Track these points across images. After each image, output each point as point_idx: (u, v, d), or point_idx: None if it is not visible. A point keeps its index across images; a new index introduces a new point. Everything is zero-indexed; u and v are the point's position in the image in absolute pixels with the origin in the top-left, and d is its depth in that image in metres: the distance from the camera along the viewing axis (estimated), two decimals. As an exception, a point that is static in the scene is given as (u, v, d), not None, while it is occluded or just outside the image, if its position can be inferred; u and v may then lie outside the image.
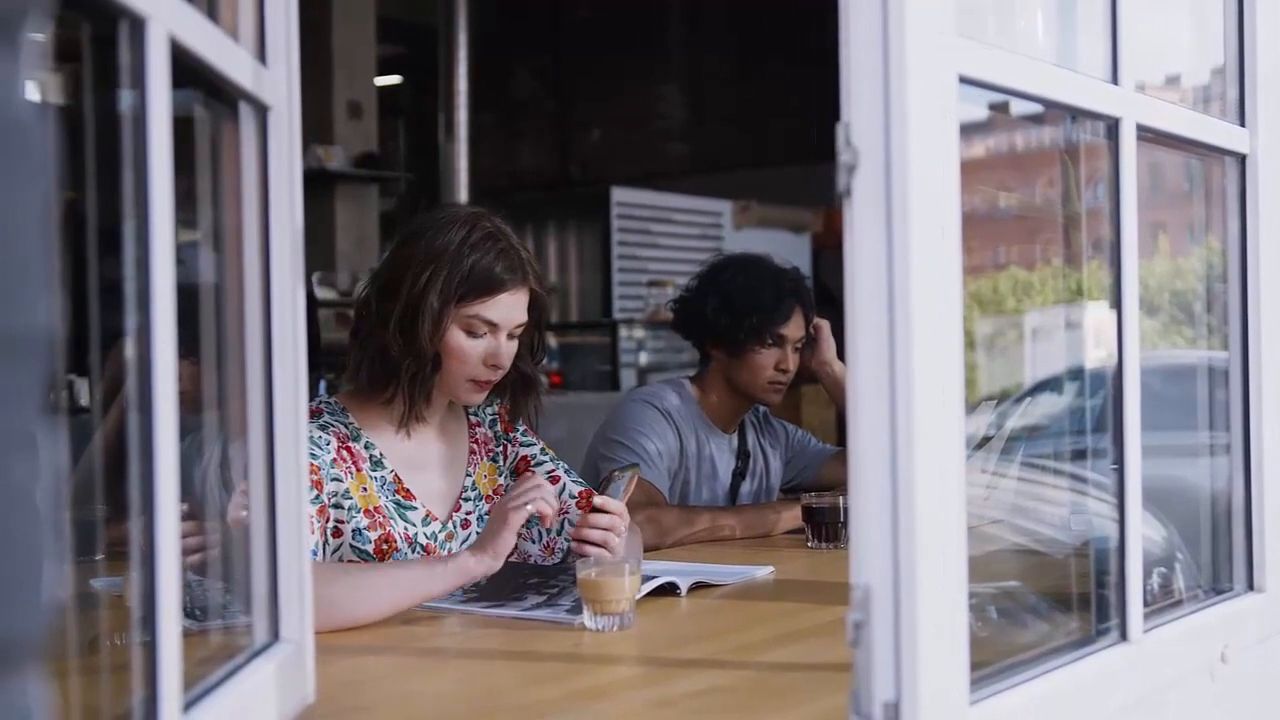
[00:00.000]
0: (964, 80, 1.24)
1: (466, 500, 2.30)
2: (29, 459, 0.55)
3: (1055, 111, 1.60)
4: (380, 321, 2.17)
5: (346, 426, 2.20)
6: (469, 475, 2.32)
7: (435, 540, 2.22)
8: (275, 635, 1.37)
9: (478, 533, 2.26)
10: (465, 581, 1.96)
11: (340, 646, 1.75)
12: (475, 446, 2.35)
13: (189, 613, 1.25)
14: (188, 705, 1.08)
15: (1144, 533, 1.57)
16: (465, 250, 2.14)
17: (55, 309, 0.59)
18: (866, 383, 1.16)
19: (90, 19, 1.00)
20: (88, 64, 1.04)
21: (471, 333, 2.17)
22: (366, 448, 2.20)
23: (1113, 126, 1.51)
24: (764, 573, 2.34)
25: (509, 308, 2.18)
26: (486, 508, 2.30)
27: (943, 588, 1.18)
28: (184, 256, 1.10)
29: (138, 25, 0.99)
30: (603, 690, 1.60)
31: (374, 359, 2.18)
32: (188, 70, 1.11)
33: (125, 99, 1.02)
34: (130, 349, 1.01)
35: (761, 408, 3.18)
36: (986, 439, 2.17)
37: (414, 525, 2.19)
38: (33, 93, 0.59)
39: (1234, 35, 1.79)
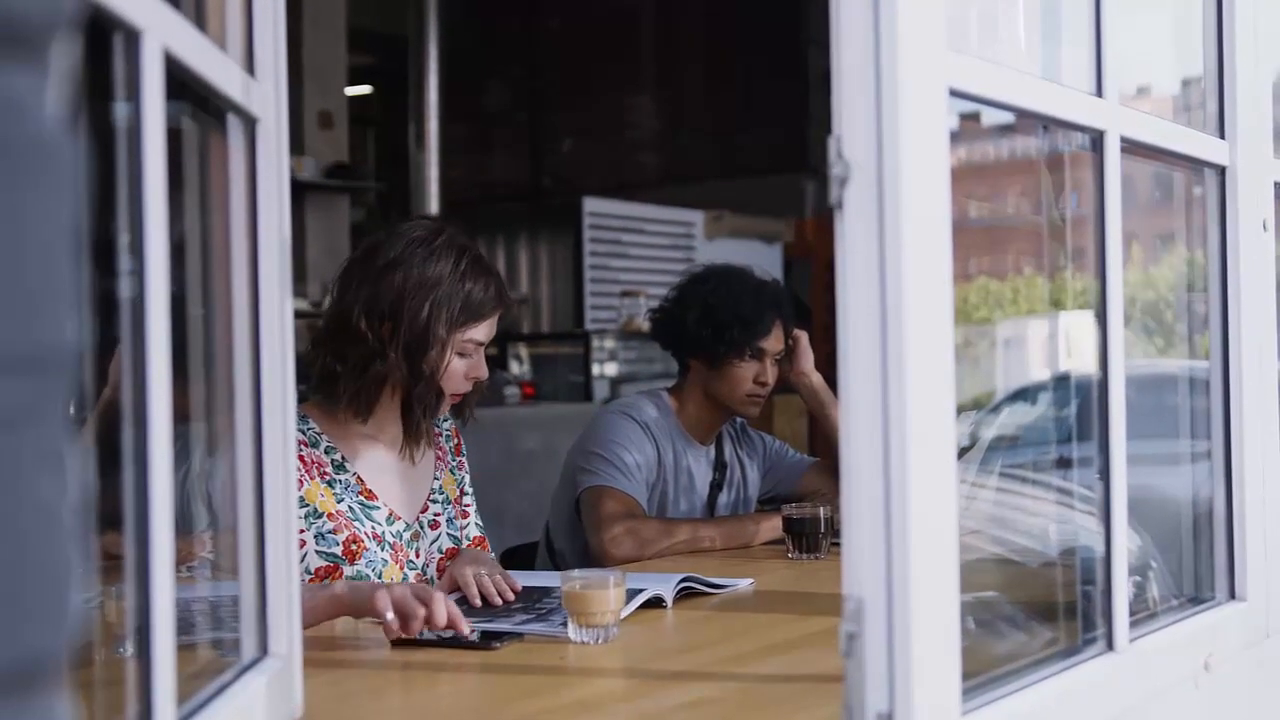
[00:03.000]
0: (954, 93, 1.24)
1: (435, 502, 2.38)
2: (57, 475, 0.55)
3: (1028, 122, 1.61)
4: (375, 350, 2.20)
5: (304, 433, 2.24)
6: (436, 479, 2.40)
7: (401, 539, 2.29)
8: (264, 650, 1.36)
9: (447, 534, 2.37)
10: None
11: (328, 661, 1.74)
12: (440, 453, 2.44)
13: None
14: (181, 721, 1.07)
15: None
16: (459, 279, 2.23)
17: (80, 327, 0.59)
18: (859, 393, 1.17)
19: (84, 31, 0.99)
20: (80, 76, 1.04)
21: (463, 354, 2.27)
22: (327, 452, 2.26)
23: (1097, 139, 1.52)
24: (745, 584, 2.34)
25: (493, 326, 2.31)
26: (453, 511, 2.40)
27: (936, 598, 1.18)
28: (170, 268, 1.09)
29: (133, 38, 0.99)
30: (591, 703, 1.60)
31: (374, 384, 2.23)
32: (177, 82, 1.10)
33: (119, 110, 1.01)
34: (125, 361, 1.00)
35: (739, 419, 3.18)
36: (964, 449, 2.18)
37: (379, 524, 2.25)
38: (60, 109, 0.59)
39: (1213, 48, 1.81)
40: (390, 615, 1.79)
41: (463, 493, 2.47)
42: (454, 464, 2.46)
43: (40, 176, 0.55)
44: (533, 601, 2.11)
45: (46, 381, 0.55)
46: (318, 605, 1.91)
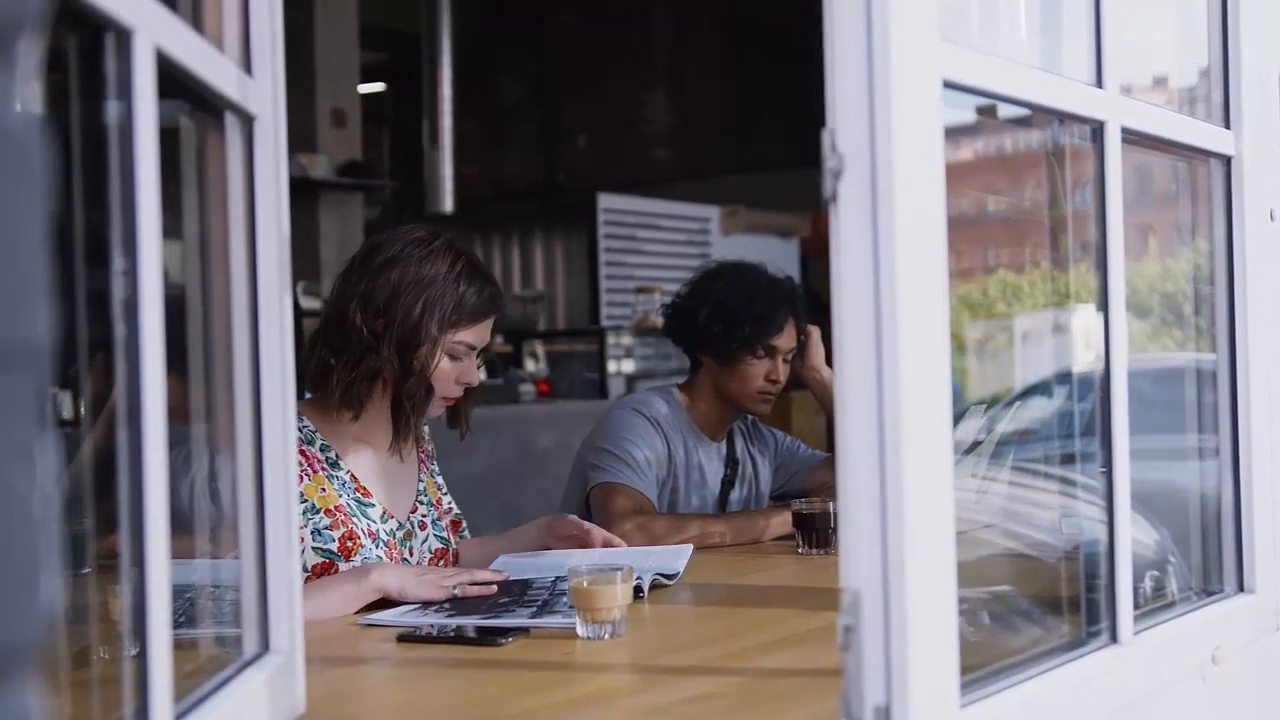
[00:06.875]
0: (948, 85, 1.24)
1: (421, 503, 2.43)
2: (26, 469, 0.56)
3: (1042, 115, 1.61)
4: (369, 344, 2.24)
5: (301, 431, 2.26)
6: (420, 481, 2.45)
7: (395, 538, 2.33)
8: (265, 646, 1.36)
9: (434, 535, 2.42)
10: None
11: (330, 658, 1.74)
12: (423, 458, 2.49)
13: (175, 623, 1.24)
14: (179, 716, 1.08)
15: (1136, 536, 1.57)
16: (454, 280, 2.27)
17: (52, 320, 0.59)
18: (854, 387, 1.16)
19: (76, 30, 0.99)
20: (72, 74, 1.04)
21: (453, 356, 2.30)
22: (322, 450, 2.29)
23: (1098, 130, 1.51)
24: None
25: (487, 332, 2.35)
26: (436, 514, 2.45)
27: (932, 591, 1.18)
28: (168, 268, 1.09)
29: (124, 36, 0.99)
30: (596, 698, 1.60)
31: (365, 379, 2.26)
32: (172, 80, 1.11)
33: (111, 109, 1.01)
34: (119, 362, 1.00)
35: (750, 415, 3.18)
36: (976, 443, 2.17)
37: (374, 521, 2.29)
38: (28, 105, 0.59)
39: (1218, 37, 1.80)
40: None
41: (443, 492, 2.52)
42: (433, 469, 2.52)
43: (8, 172, 0.56)
44: (519, 596, 2.10)
45: (17, 374, 0.55)
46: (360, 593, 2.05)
